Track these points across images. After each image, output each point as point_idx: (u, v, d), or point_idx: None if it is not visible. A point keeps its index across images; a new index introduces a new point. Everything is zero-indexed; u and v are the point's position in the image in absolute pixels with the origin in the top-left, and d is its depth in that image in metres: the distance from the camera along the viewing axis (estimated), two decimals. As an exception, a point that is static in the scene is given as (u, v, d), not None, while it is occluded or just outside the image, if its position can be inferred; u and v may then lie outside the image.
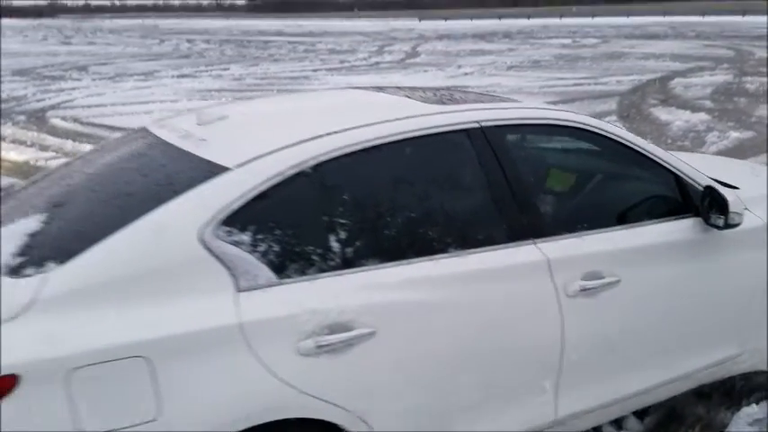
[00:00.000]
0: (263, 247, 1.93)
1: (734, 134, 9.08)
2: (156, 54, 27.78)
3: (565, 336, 2.33)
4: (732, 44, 26.08)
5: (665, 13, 59.02)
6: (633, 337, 2.54)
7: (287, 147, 2.09)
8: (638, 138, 2.69)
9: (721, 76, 15.78)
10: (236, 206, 1.93)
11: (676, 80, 15.37)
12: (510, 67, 19.82)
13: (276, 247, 1.94)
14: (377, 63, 22.99)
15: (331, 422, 1.95)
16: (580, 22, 54.14)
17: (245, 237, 1.92)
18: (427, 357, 2.10)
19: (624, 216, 2.61)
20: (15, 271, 1.79)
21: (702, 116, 10.51)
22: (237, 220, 1.92)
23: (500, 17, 68.04)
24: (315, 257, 1.99)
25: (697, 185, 2.64)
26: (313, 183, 2.06)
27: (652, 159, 2.64)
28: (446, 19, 70.51)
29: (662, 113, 10.95)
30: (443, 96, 2.73)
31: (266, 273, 1.91)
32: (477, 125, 2.36)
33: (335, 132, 2.16)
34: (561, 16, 64.15)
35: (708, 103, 11.80)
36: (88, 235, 1.85)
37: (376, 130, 2.22)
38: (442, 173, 2.35)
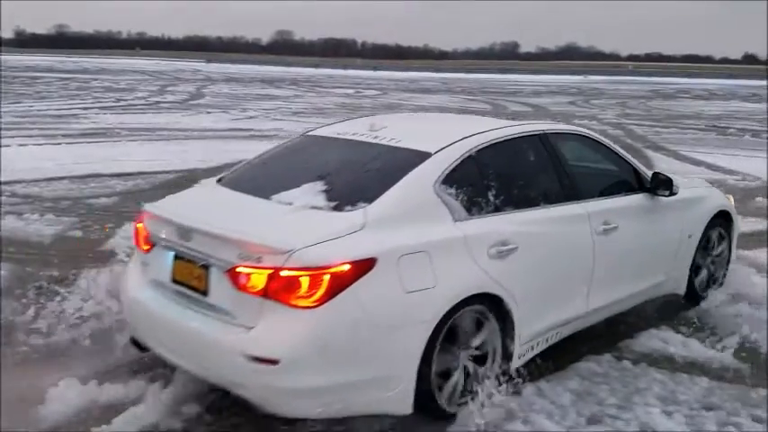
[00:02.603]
0: (459, 197, 3.33)
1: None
2: None
3: (595, 259, 3.86)
4: (490, 99, 29.35)
5: (437, 70, 64.72)
6: (622, 263, 4.09)
7: (458, 140, 3.54)
8: (614, 144, 4.46)
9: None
10: (445, 173, 3.35)
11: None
12: (295, 113, 20.29)
13: (465, 197, 3.35)
14: (157, 103, 22.23)
15: (498, 296, 3.29)
16: (363, 74, 57.26)
17: (451, 190, 3.33)
18: (540, 264, 3.52)
19: (610, 190, 4.23)
20: (338, 207, 3.13)
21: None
22: (446, 181, 3.34)
23: (289, 65, 69.59)
24: (483, 204, 3.42)
25: (645, 174, 4.39)
26: (477, 161, 3.52)
27: (621, 157, 4.39)
28: (235, 62, 70.45)
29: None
30: (507, 117, 4.88)
31: (464, 212, 3.33)
32: (542, 132, 3.98)
33: (479, 133, 3.68)
34: (345, 67, 67.35)
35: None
36: (371, 188, 3.23)
37: (497, 132, 3.76)
38: (531, 159, 3.90)
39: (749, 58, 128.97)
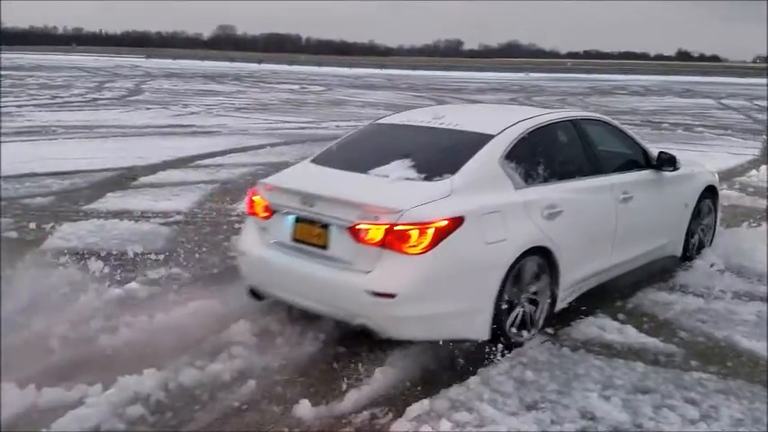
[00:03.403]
0: (517, 170, 4.14)
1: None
2: None
3: (617, 222, 4.73)
4: (435, 95, 29.57)
5: (382, 66, 64.82)
6: (636, 227, 4.94)
7: (513, 124, 4.34)
8: (627, 127, 5.35)
9: (424, 123, 17.68)
10: (506, 151, 4.14)
11: (387, 125, 16.83)
12: (238, 109, 20.03)
13: (522, 170, 4.16)
14: (94, 99, 21.59)
15: (548, 248, 4.09)
16: (308, 70, 56.86)
17: (512, 165, 4.13)
18: (578, 224, 4.32)
19: (626, 166, 5.12)
20: (428, 179, 3.92)
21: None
22: (507, 157, 4.13)
23: (232, 60, 68.47)
24: (535, 175, 4.23)
25: (651, 153, 5.28)
26: (530, 141, 4.32)
27: (633, 139, 5.29)
28: (175, 58, 68.94)
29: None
30: (541, 106, 5.59)
31: (522, 181, 4.13)
32: (573, 118, 4.96)
33: (528, 118, 4.51)
34: (291, 63, 66.75)
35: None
36: (451, 163, 4.00)
37: (541, 118, 4.61)
38: (567, 140, 4.75)
39: (683, 55, 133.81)
